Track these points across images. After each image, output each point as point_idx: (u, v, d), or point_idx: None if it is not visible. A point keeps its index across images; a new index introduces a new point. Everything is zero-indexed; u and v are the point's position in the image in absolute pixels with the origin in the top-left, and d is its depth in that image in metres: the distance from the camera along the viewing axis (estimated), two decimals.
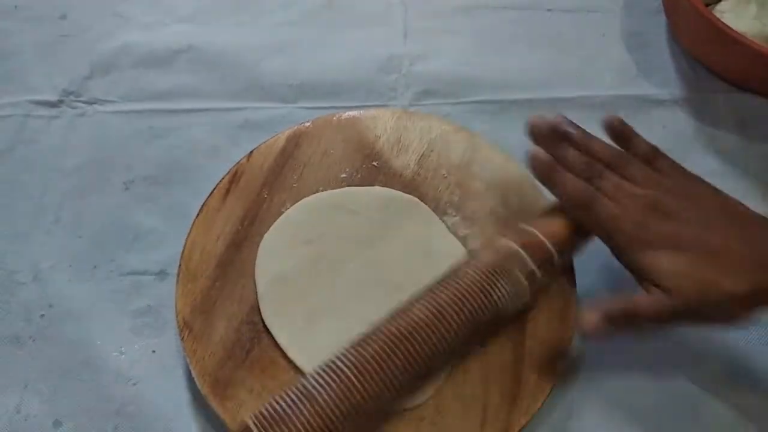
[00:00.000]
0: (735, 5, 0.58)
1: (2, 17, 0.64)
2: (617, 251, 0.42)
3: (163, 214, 0.53)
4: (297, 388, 0.39)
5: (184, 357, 0.45)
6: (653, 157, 0.43)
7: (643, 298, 0.39)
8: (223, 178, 0.51)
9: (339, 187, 0.51)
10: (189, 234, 0.49)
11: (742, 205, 0.41)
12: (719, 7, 0.59)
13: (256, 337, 0.45)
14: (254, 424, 0.38)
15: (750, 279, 0.37)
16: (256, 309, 0.46)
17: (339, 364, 0.39)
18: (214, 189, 0.51)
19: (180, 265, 0.48)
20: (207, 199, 0.50)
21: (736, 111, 0.58)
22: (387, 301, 0.43)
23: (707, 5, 0.57)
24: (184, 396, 0.45)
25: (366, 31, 0.63)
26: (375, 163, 0.52)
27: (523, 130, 0.45)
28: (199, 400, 0.44)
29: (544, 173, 0.43)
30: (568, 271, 0.47)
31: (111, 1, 0.65)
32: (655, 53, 0.61)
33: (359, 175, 0.52)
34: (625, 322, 0.40)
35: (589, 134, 0.45)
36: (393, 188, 0.51)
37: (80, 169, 0.55)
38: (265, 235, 0.49)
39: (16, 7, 0.65)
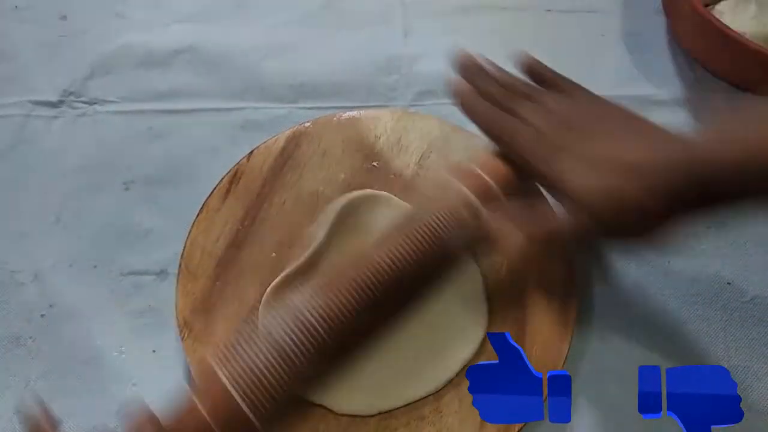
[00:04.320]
0: (734, 5, 0.58)
1: (3, 18, 0.64)
2: (535, 173, 0.42)
3: (163, 214, 0.53)
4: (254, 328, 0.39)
5: (184, 357, 0.45)
6: (566, 87, 0.45)
7: (562, 218, 0.40)
8: (223, 178, 0.51)
9: (339, 188, 0.51)
10: (189, 234, 0.49)
11: (652, 122, 0.41)
12: (719, 7, 0.59)
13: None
14: (217, 363, 0.37)
15: (660, 186, 0.36)
16: (256, 309, 0.46)
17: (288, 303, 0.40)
18: (214, 189, 0.51)
19: (180, 265, 0.48)
20: (207, 199, 0.50)
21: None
22: None
23: (706, 5, 0.57)
24: (181, 396, 0.45)
25: (366, 32, 0.63)
26: (375, 164, 0.52)
27: None
28: None
29: (464, 102, 0.45)
30: (568, 272, 0.47)
31: (111, 2, 0.65)
32: (655, 54, 0.61)
33: (359, 176, 0.52)
34: (547, 243, 0.41)
35: (507, 72, 0.46)
36: (393, 189, 0.51)
37: (81, 169, 0.55)
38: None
39: (16, 7, 0.65)
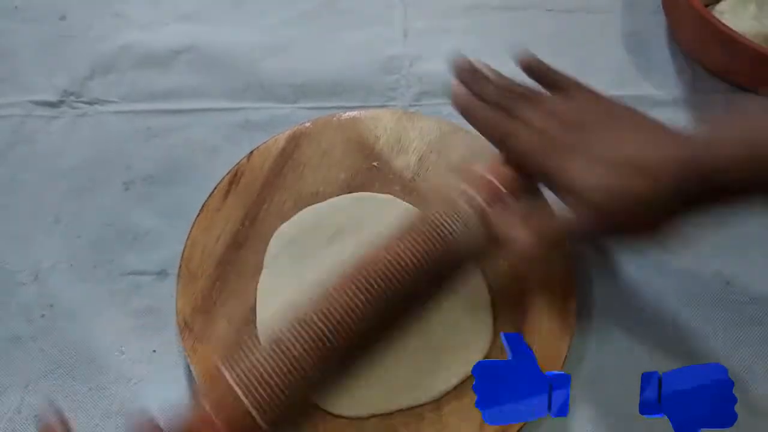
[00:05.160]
0: (734, 5, 0.58)
1: (2, 17, 0.64)
2: (538, 173, 0.42)
3: (163, 214, 0.53)
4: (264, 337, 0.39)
5: (185, 357, 0.45)
6: (567, 86, 0.44)
7: (567, 216, 0.40)
8: (223, 178, 0.51)
9: (339, 188, 0.51)
10: (189, 234, 0.49)
11: (654, 119, 0.41)
12: (718, 7, 0.59)
13: (255, 336, 0.45)
14: (223, 364, 0.38)
15: (666, 183, 0.37)
16: (256, 309, 0.46)
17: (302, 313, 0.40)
18: (215, 189, 0.51)
19: (180, 265, 0.48)
20: (207, 199, 0.50)
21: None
22: None
23: (706, 5, 0.57)
24: (184, 396, 0.45)
25: (366, 32, 0.63)
26: (375, 164, 0.52)
27: None
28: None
29: (463, 106, 0.45)
30: (569, 265, 0.47)
31: (111, 2, 0.65)
32: (655, 53, 0.61)
33: (359, 176, 0.52)
34: (553, 240, 0.40)
35: (504, 75, 0.46)
36: (393, 188, 0.51)
37: (80, 169, 0.55)
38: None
39: (16, 7, 0.65)
